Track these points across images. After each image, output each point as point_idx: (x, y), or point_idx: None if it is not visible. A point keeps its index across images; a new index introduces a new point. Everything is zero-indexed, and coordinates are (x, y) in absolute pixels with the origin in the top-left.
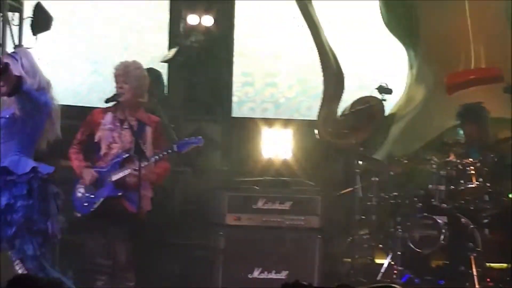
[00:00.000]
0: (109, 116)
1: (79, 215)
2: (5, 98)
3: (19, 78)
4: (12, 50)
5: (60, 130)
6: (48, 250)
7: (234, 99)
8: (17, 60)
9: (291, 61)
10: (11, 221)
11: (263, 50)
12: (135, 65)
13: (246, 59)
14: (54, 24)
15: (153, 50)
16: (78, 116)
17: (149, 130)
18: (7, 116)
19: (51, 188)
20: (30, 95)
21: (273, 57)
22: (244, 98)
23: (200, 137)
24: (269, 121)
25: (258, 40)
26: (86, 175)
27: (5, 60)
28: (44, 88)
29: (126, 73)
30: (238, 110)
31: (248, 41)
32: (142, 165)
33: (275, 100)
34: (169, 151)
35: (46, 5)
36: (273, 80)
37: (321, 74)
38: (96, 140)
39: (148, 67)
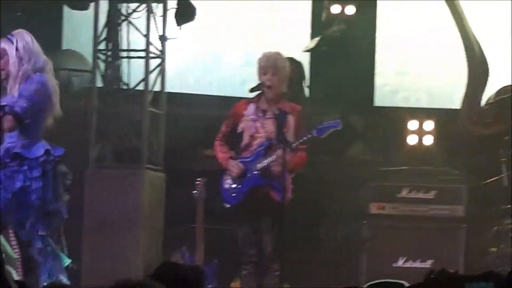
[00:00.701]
0: (251, 107)
1: (227, 206)
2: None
3: (16, 115)
4: (10, 34)
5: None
6: (55, 229)
7: (387, 88)
8: (13, 43)
9: (447, 50)
10: (27, 202)
11: (416, 40)
12: (280, 56)
13: (398, 50)
14: (201, 14)
15: (296, 40)
16: (218, 105)
17: (291, 119)
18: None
19: (61, 168)
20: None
21: (426, 47)
22: (398, 87)
23: (338, 120)
24: (412, 110)
25: (407, 30)
26: (233, 168)
27: (2, 44)
28: (40, 68)
29: (274, 64)
30: (391, 99)
31: (397, 31)
32: (286, 152)
33: (429, 90)
34: (309, 136)
35: None
36: (427, 70)
37: (466, 63)
38: (239, 131)
39: (289, 56)
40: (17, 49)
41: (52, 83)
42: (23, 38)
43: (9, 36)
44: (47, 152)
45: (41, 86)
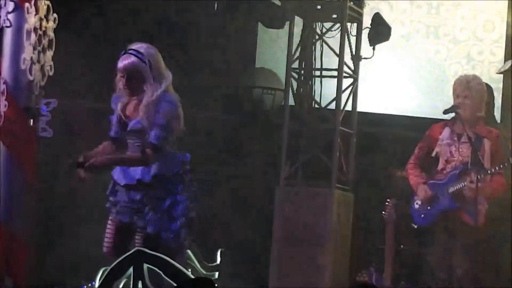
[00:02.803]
0: (446, 131)
1: (415, 226)
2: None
3: (155, 147)
4: (131, 48)
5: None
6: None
7: None
8: (145, 63)
9: None
10: (176, 215)
11: None
12: (477, 80)
13: None
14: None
15: (489, 62)
16: (409, 126)
17: (487, 144)
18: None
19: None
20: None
21: None
22: None
23: None
24: None
25: None
26: (420, 192)
27: (133, 59)
28: (168, 86)
29: (468, 88)
30: None
31: None
32: (480, 177)
33: None
34: (505, 164)
35: (384, 15)
36: None
37: None
38: (433, 155)
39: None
40: (151, 68)
41: (177, 98)
42: (151, 52)
43: (134, 51)
44: (183, 163)
45: (173, 107)
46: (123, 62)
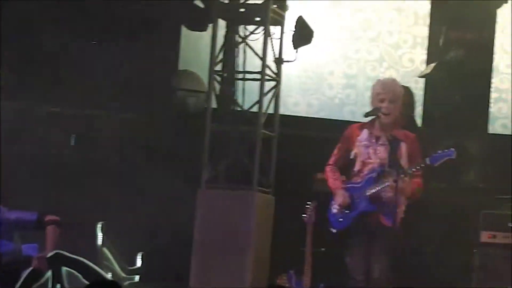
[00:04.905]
0: (365, 133)
1: (334, 230)
2: None
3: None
4: None
5: None
6: None
7: (503, 115)
8: None
9: None
10: None
11: None
12: (396, 83)
13: None
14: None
15: (408, 65)
16: (330, 128)
17: (404, 146)
18: None
19: None
20: None
21: None
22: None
23: (453, 149)
24: None
25: None
26: (339, 197)
27: None
28: None
29: (391, 92)
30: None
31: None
32: (399, 179)
33: None
34: (422, 165)
35: (307, 19)
36: None
37: None
38: (351, 157)
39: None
40: None
41: None
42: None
43: None
44: None
45: None
46: None
